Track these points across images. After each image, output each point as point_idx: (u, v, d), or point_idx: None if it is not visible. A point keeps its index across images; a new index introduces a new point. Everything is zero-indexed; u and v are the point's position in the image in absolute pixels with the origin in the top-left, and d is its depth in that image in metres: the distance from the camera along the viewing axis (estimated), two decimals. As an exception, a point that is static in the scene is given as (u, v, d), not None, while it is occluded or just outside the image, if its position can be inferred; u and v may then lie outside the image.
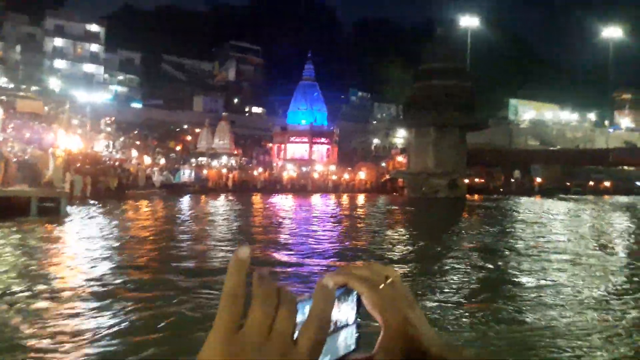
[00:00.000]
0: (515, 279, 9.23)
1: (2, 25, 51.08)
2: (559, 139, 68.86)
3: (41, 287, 7.26)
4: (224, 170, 37.34)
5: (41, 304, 6.40)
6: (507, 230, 17.17)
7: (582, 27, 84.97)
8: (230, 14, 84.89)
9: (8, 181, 16.95)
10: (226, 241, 12.93)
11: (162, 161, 37.19)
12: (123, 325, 5.67)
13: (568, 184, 49.45)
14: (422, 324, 0.50)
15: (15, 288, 7.17)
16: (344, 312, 0.47)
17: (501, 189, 43.27)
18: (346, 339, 0.47)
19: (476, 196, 37.89)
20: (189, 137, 50.02)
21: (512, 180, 45.63)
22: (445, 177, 34.93)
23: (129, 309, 6.33)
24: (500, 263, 10.65)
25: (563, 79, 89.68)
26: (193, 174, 34.69)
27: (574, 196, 43.43)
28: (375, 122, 66.56)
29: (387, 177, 41.46)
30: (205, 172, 35.91)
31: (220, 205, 25.24)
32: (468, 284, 8.82)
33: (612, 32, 54.78)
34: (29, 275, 8.06)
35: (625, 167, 51.40)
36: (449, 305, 7.28)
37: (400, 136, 55.43)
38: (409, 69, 42.74)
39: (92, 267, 8.99)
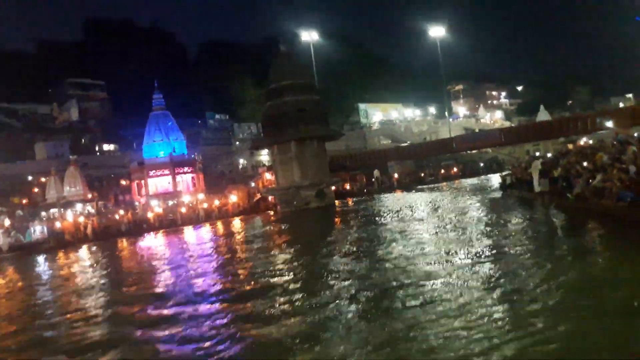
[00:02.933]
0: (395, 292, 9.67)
1: None
2: (407, 134, 74.52)
3: None
4: (81, 219, 34.41)
5: None
6: (376, 235, 17.91)
7: (410, 29, 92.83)
8: (61, 51, 78.43)
9: None
10: (93, 307, 11.90)
11: (7, 222, 33.23)
12: None
13: (422, 174, 53.57)
14: None
15: None
16: None
17: (365, 190, 45.53)
18: None
19: (347, 200, 39.47)
20: (35, 189, 45.43)
21: (373, 180, 48.25)
22: (313, 187, 35.84)
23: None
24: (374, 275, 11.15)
25: (403, 79, 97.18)
26: (45, 230, 31.51)
27: (429, 185, 47.10)
28: (238, 142, 66.25)
29: (259, 196, 41.43)
30: (58, 224, 32.80)
31: (81, 260, 23.21)
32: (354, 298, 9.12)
33: (437, 31, 60.66)
34: None
35: (468, 152, 57.11)
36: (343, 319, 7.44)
37: (265, 153, 55.80)
38: (261, 87, 43.19)
39: None
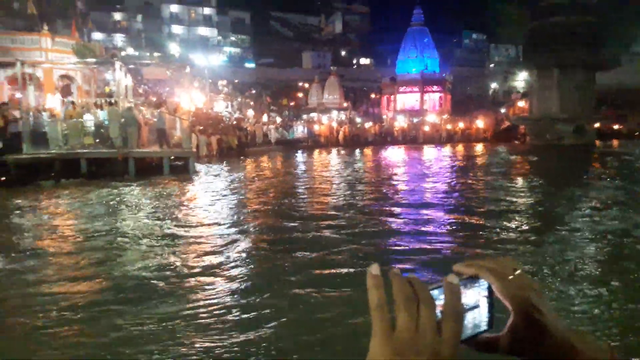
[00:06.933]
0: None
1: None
2: None
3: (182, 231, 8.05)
4: (335, 125, 37.69)
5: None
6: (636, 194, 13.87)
7: None
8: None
9: (143, 143, 18.61)
10: (332, 195, 13.22)
11: (279, 119, 38.41)
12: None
13: None
14: (547, 310, 0.57)
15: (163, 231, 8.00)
16: (471, 296, 0.55)
17: (637, 134, 39.14)
18: (475, 319, 0.55)
19: (611, 142, 34.80)
20: (300, 94, 50.96)
21: (651, 122, 40.94)
22: (571, 122, 32.23)
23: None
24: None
25: None
26: (306, 130, 35.53)
27: None
28: (492, 65, 62.58)
29: (507, 124, 39.23)
30: (317, 127, 36.54)
31: (333, 160, 25.73)
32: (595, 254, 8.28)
33: None
34: (174, 225, 8.92)
35: None
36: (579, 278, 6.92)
37: (521, 79, 51.78)
38: (528, 5, 39.19)
39: (224, 217, 9.72)
